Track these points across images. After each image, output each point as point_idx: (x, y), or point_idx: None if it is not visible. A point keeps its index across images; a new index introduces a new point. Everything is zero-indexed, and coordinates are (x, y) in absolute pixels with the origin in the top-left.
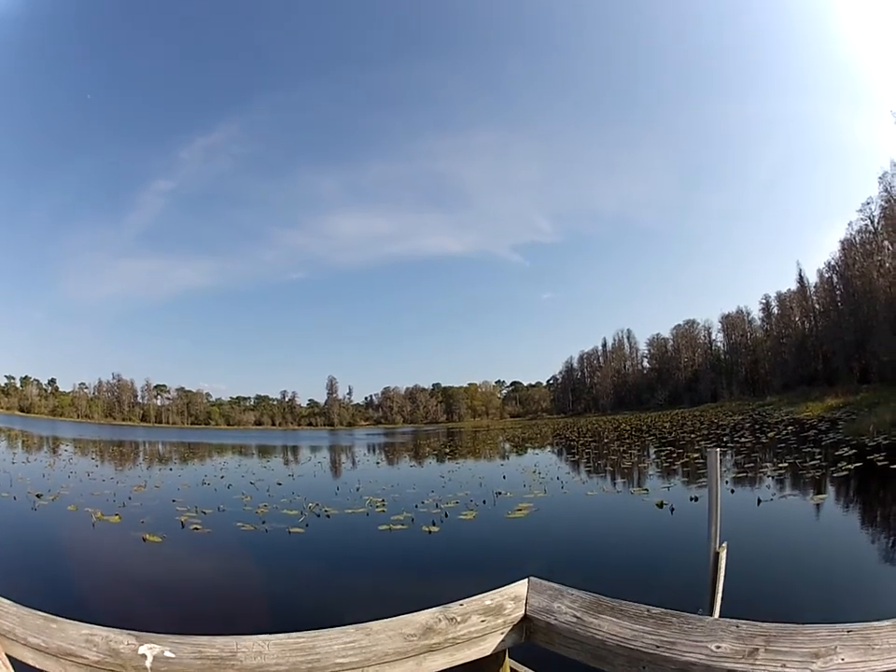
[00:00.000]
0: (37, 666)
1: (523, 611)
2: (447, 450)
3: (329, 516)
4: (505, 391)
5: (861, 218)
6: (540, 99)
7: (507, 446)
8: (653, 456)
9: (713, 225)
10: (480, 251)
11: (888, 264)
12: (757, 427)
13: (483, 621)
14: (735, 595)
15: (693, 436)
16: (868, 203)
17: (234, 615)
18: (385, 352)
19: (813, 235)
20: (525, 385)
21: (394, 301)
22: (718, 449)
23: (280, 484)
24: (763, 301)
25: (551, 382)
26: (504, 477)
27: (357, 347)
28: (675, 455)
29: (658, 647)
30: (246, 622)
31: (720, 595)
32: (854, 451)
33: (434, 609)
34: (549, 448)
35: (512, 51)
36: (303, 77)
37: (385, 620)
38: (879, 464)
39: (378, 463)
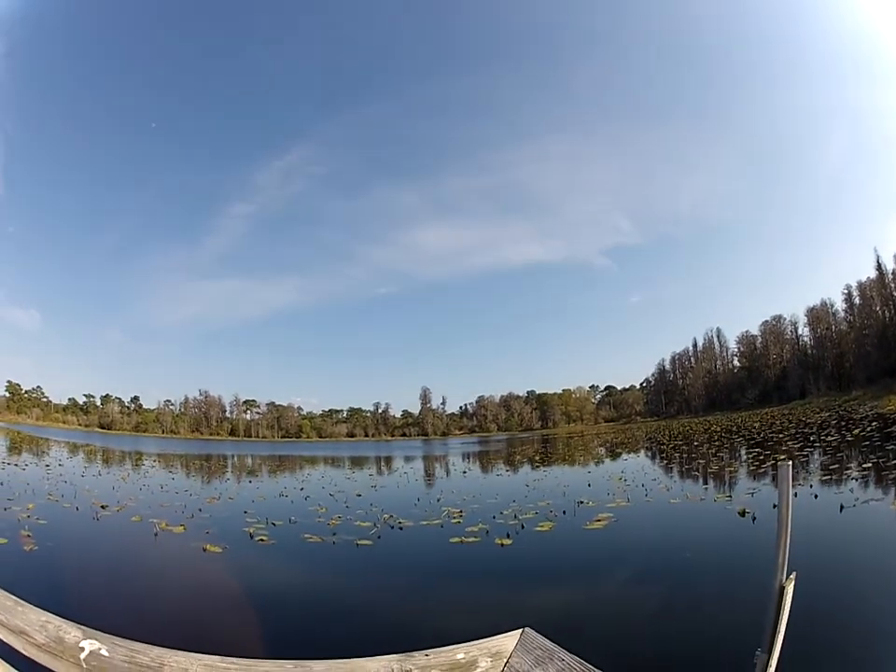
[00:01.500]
0: None
1: None
2: (537, 457)
3: (401, 528)
4: (599, 396)
5: None
6: (612, 103)
7: (598, 452)
8: (741, 458)
9: (790, 217)
10: (565, 257)
11: None
12: (843, 423)
13: None
14: (803, 628)
15: (781, 436)
16: None
17: (261, 628)
18: (478, 362)
19: (885, 222)
20: (619, 388)
21: (485, 311)
22: (790, 462)
23: (360, 496)
24: (846, 291)
25: (644, 385)
26: (589, 485)
27: (449, 358)
28: (762, 456)
29: None
30: (275, 636)
31: (781, 636)
32: None
33: (392, 656)
34: (639, 453)
35: (584, 56)
36: (375, 93)
37: (332, 661)
38: None
39: (465, 472)
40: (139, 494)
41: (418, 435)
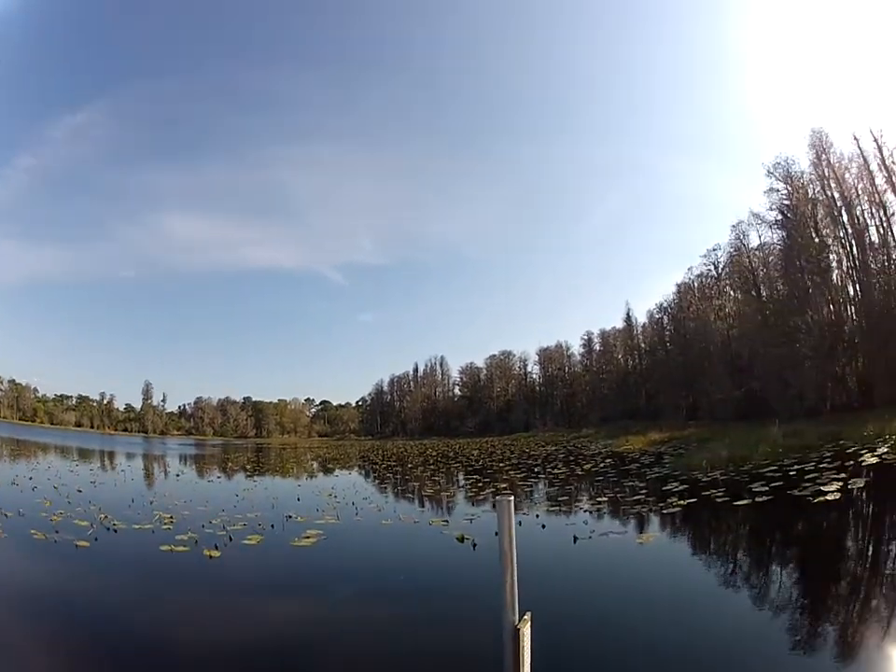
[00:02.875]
0: None
1: None
2: (249, 466)
3: (116, 531)
4: (314, 409)
5: (705, 264)
6: (385, 120)
7: (310, 465)
8: (459, 484)
9: (541, 263)
10: (303, 266)
11: (728, 308)
12: (572, 458)
13: None
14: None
15: (502, 465)
16: (714, 250)
17: None
18: (200, 360)
19: (638, 281)
20: (335, 404)
21: (214, 309)
22: (511, 498)
23: (80, 491)
24: (585, 336)
25: (360, 403)
26: (299, 499)
27: (174, 353)
28: (481, 483)
29: None
30: None
31: None
32: (686, 486)
33: None
34: (352, 470)
35: (376, 71)
36: (173, 70)
37: None
38: (718, 500)
39: (178, 476)
40: None
41: (139, 431)
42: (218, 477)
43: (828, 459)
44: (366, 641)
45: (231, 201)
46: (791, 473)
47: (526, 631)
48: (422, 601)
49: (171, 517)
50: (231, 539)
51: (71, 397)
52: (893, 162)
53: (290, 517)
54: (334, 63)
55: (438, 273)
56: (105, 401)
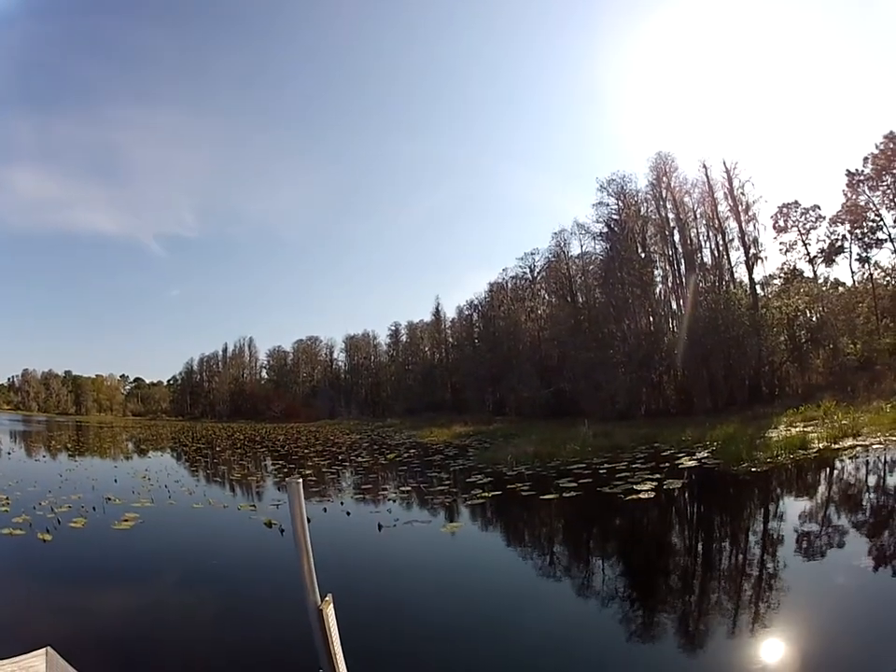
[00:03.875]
0: None
1: None
2: (70, 445)
3: None
4: (129, 387)
5: (521, 266)
6: (235, 91)
7: (125, 446)
8: (266, 469)
9: (361, 253)
10: (125, 234)
11: (540, 311)
12: (376, 447)
13: None
14: (362, 646)
15: (307, 451)
16: (532, 254)
17: None
18: (27, 327)
19: (449, 277)
20: (148, 382)
21: (38, 272)
22: (300, 479)
23: None
24: (393, 327)
25: (171, 382)
26: (116, 481)
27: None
28: (287, 469)
29: None
30: None
31: (340, 657)
32: (490, 479)
33: None
34: (164, 452)
35: (236, 33)
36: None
37: None
38: (524, 493)
39: (10, 454)
40: None
41: None
42: (44, 456)
43: (641, 460)
44: (189, 624)
45: (76, 159)
46: (602, 472)
47: (330, 611)
48: (236, 584)
49: (7, 498)
50: (59, 522)
51: None
52: (742, 192)
53: (109, 500)
54: (192, 20)
55: (253, 252)
56: None
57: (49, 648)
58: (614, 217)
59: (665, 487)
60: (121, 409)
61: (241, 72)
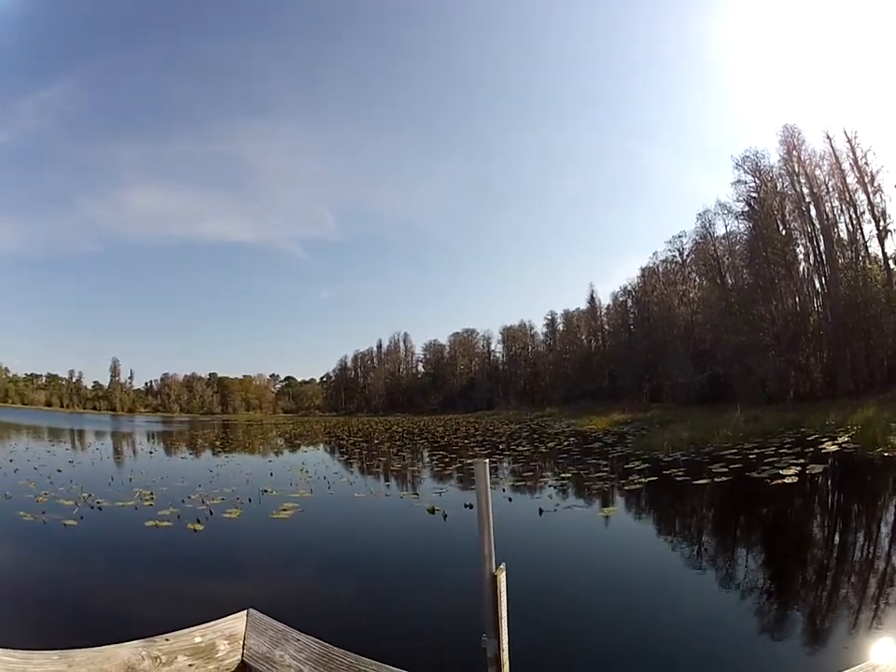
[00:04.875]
0: None
1: (239, 656)
2: (218, 442)
3: (100, 508)
4: (279, 386)
5: (670, 250)
6: (358, 101)
7: (277, 442)
8: (426, 460)
9: (504, 242)
10: (265, 241)
11: (692, 294)
12: (536, 436)
13: (191, 665)
14: (521, 617)
15: (466, 441)
16: (680, 237)
17: None
18: (166, 336)
19: (602, 264)
20: (299, 381)
21: (178, 284)
22: (486, 460)
23: (60, 471)
24: (549, 317)
25: (324, 379)
26: (271, 474)
27: (140, 329)
28: (447, 459)
29: None
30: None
31: (504, 621)
32: (647, 465)
33: (139, 642)
34: (319, 446)
35: (345, 45)
36: (142, 43)
37: (91, 649)
38: (679, 479)
39: (152, 453)
40: None
41: (107, 409)
42: (191, 454)
43: (788, 445)
44: (364, 605)
45: (196, 174)
46: (751, 457)
47: (503, 577)
48: (405, 566)
49: (151, 493)
50: (211, 513)
51: (41, 376)
52: (866, 163)
53: (266, 491)
54: (299, 34)
55: (397, 249)
56: (73, 380)
57: (250, 609)
58: (752, 194)
59: (807, 472)
60: (272, 407)
61: (355, 78)
